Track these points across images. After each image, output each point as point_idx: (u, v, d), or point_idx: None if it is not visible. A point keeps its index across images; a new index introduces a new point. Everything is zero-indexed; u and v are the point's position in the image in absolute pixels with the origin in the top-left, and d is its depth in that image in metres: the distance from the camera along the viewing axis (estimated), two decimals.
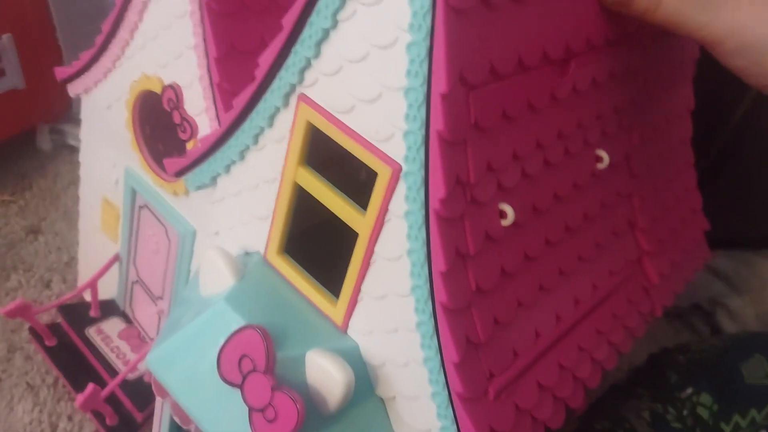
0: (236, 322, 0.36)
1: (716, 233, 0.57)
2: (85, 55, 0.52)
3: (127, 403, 0.55)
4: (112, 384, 0.54)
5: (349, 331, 0.38)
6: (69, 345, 0.60)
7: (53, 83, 0.55)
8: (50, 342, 0.60)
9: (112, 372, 0.58)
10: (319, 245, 0.40)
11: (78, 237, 0.65)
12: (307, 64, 0.33)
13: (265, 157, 0.38)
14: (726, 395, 0.52)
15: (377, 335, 0.36)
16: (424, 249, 0.31)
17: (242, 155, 0.40)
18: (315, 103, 0.34)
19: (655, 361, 0.59)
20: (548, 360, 0.38)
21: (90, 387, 0.50)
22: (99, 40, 0.50)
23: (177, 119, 0.46)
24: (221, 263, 0.39)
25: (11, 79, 0.77)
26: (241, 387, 0.35)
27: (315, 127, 0.35)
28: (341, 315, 0.37)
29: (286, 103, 0.36)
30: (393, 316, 0.35)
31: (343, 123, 0.33)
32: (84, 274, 0.66)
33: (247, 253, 0.42)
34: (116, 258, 0.59)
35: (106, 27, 0.49)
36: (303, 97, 0.35)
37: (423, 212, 0.31)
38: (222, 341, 0.35)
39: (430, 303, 0.32)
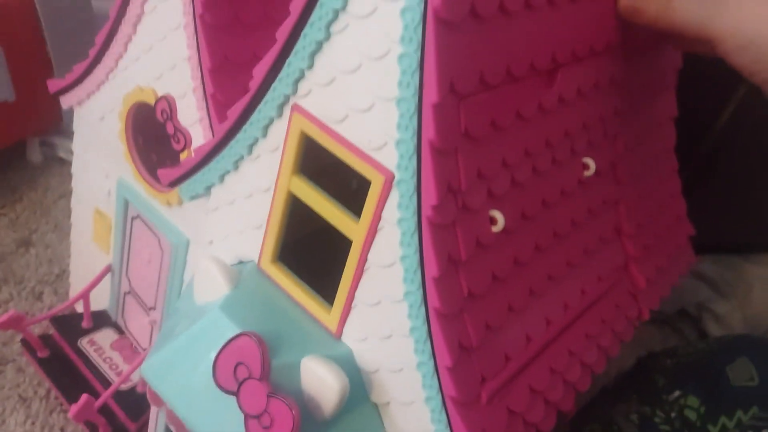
0: (231, 329, 0.37)
1: (701, 239, 0.58)
2: (78, 68, 0.52)
3: (121, 413, 0.55)
4: (106, 394, 0.54)
5: (344, 338, 0.38)
6: (61, 356, 0.60)
7: (44, 96, 0.56)
8: (42, 353, 0.60)
9: (105, 383, 0.58)
10: (313, 253, 0.40)
11: (69, 249, 0.65)
12: (301, 75, 0.34)
13: (259, 167, 0.39)
14: (713, 397, 0.53)
15: (371, 341, 0.37)
16: (417, 255, 0.32)
17: (236, 165, 0.40)
18: (309, 113, 0.35)
19: (643, 365, 0.59)
20: (539, 364, 0.39)
21: (84, 398, 0.50)
22: (92, 52, 0.50)
23: (170, 130, 0.47)
24: (216, 271, 0.40)
25: (1, 91, 0.77)
26: (236, 394, 0.35)
27: (309, 136, 0.35)
28: (335, 322, 0.38)
29: (280, 114, 0.36)
30: (387, 322, 0.35)
31: (336, 132, 0.34)
32: (76, 286, 0.66)
33: (241, 262, 0.43)
34: (108, 269, 0.59)
35: (99, 39, 0.49)
36: (297, 108, 0.35)
37: (415, 219, 0.32)
38: (217, 349, 0.36)
39: (423, 308, 0.33)
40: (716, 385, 0.54)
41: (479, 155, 0.32)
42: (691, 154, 0.69)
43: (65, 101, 0.56)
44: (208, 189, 0.43)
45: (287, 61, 0.34)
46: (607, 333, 0.45)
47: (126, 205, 0.55)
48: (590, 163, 0.42)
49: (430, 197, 0.30)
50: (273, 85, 0.35)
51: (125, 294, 0.60)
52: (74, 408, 0.50)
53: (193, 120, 0.45)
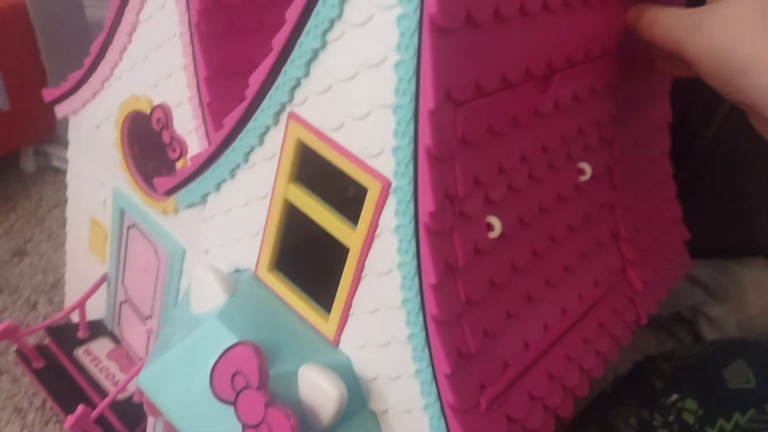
0: (228, 338, 0.37)
1: (695, 243, 0.59)
2: (73, 77, 0.52)
3: (117, 424, 0.54)
4: (102, 405, 0.53)
5: (341, 346, 0.38)
6: (57, 367, 0.60)
7: (38, 105, 0.56)
8: (38, 364, 0.59)
9: (102, 393, 0.57)
10: (310, 261, 0.40)
11: (64, 258, 0.65)
12: (297, 84, 0.34)
13: (255, 175, 0.39)
14: (710, 400, 0.53)
15: (369, 349, 0.37)
16: (415, 262, 0.32)
17: (233, 173, 0.40)
18: (305, 121, 0.35)
19: (641, 369, 0.60)
20: (537, 370, 0.39)
21: (80, 408, 0.49)
22: (87, 61, 0.50)
23: (166, 139, 0.46)
24: (212, 280, 0.40)
25: None
26: (234, 404, 0.35)
27: (305, 144, 0.35)
28: (333, 330, 0.38)
29: (276, 122, 0.36)
30: (384, 330, 0.35)
31: (332, 140, 0.34)
32: (71, 295, 0.66)
33: (238, 270, 0.43)
34: (104, 278, 0.59)
35: (94, 48, 0.49)
36: (293, 116, 0.35)
37: (413, 226, 0.32)
38: (214, 358, 0.36)
39: (421, 315, 0.33)
40: (713, 388, 0.54)
41: (476, 161, 0.32)
42: (686, 159, 0.70)
43: (60, 110, 0.56)
44: (204, 197, 0.43)
45: (283, 69, 0.34)
46: (605, 337, 0.45)
47: (122, 214, 0.55)
48: (586, 167, 0.42)
49: (427, 204, 0.30)
50: (269, 93, 0.35)
51: (121, 303, 0.60)
52: (70, 419, 0.49)
53: (189, 129, 0.45)
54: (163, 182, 0.45)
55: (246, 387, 0.35)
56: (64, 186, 0.60)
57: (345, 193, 0.37)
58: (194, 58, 0.42)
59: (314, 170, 0.37)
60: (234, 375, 0.35)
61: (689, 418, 0.53)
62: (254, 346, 0.35)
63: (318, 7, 0.32)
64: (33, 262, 0.75)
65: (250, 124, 0.37)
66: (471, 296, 0.33)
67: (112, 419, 0.55)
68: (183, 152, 0.46)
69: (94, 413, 0.52)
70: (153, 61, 0.45)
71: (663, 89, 0.53)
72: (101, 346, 0.61)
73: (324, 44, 0.32)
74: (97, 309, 0.62)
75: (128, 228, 0.55)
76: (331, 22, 0.31)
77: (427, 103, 0.29)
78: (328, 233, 0.36)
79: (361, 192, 0.34)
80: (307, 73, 0.34)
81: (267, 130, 0.37)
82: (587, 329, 0.44)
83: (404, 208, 0.32)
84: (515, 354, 0.37)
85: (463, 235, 0.33)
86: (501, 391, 0.36)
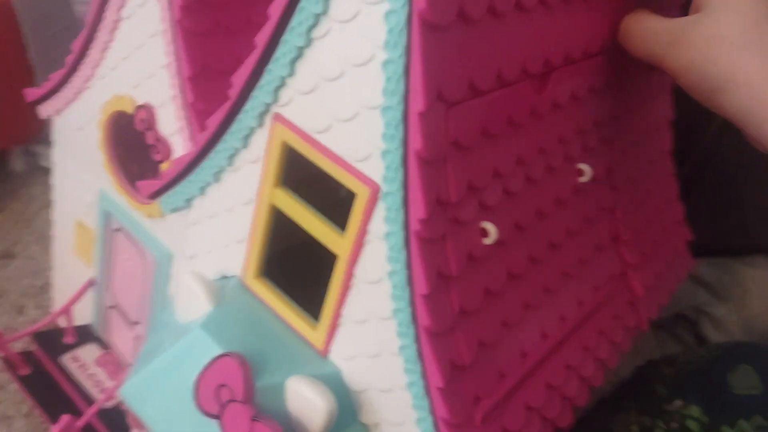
0: (213, 349, 0.35)
1: (698, 241, 0.57)
2: (56, 76, 0.51)
3: None
4: (88, 413, 0.52)
5: (331, 356, 0.37)
6: (43, 373, 0.58)
7: (26, 104, 0.54)
8: (24, 371, 0.58)
9: (89, 400, 0.56)
10: (298, 268, 0.39)
11: (52, 261, 0.63)
12: (282, 83, 0.33)
13: (240, 179, 0.37)
14: (715, 406, 0.52)
15: (359, 360, 0.35)
16: (405, 271, 0.31)
17: (217, 177, 0.39)
18: (290, 122, 0.33)
19: (642, 374, 0.58)
20: (535, 380, 0.37)
21: (64, 419, 0.48)
22: (69, 59, 0.49)
23: (150, 140, 0.45)
24: (197, 288, 0.38)
25: None
26: (219, 418, 0.34)
27: (291, 147, 0.34)
28: (322, 339, 0.36)
29: (260, 123, 0.35)
30: (375, 340, 0.34)
31: (319, 143, 0.32)
32: (59, 300, 0.65)
33: (224, 277, 0.41)
34: (91, 283, 0.58)
35: (76, 46, 0.48)
36: (278, 117, 0.34)
37: (403, 233, 0.30)
38: (199, 370, 0.34)
39: (412, 326, 0.31)
40: (718, 394, 0.52)
41: (469, 165, 0.31)
42: (688, 157, 0.68)
43: (43, 110, 0.54)
44: (189, 201, 0.41)
45: (267, 68, 0.33)
46: (605, 344, 0.44)
47: (108, 217, 0.53)
48: (586, 169, 0.41)
49: (418, 210, 0.29)
50: (253, 94, 0.34)
51: (109, 308, 0.58)
52: (55, 429, 0.48)
53: (173, 130, 0.43)
54: (147, 185, 0.43)
55: (231, 400, 0.34)
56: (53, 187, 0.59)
57: (334, 198, 0.36)
58: (177, 57, 0.40)
59: (301, 173, 0.35)
60: (219, 387, 0.34)
61: (693, 425, 0.51)
62: (239, 357, 0.34)
63: (302, 3, 0.30)
64: (21, 265, 0.74)
65: (234, 126, 0.36)
66: (465, 306, 0.32)
67: (100, 428, 0.53)
68: (167, 154, 0.44)
69: (80, 422, 0.51)
70: (135, 60, 0.44)
71: (664, 87, 0.51)
72: (89, 352, 0.59)
73: (309, 42, 0.31)
74: (85, 314, 0.60)
75: (114, 231, 0.53)
76: (317, 18, 0.30)
77: (417, 104, 0.27)
78: (316, 239, 0.35)
79: (350, 196, 0.32)
80: (292, 72, 0.32)
81: (251, 132, 0.35)
82: (587, 336, 0.42)
83: (394, 215, 0.30)
84: (512, 364, 0.36)
85: (456, 243, 0.31)
86: (497, 404, 0.34)
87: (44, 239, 0.77)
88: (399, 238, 0.30)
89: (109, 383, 0.57)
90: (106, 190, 0.52)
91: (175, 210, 0.43)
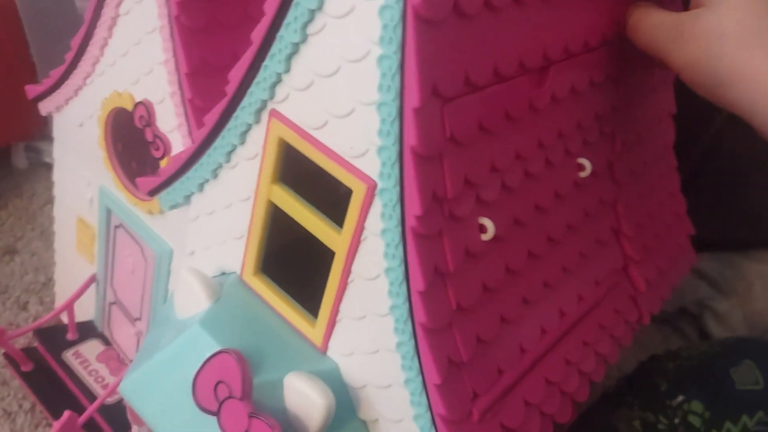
0: (211, 346, 0.35)
1: (701, 236, 0.57)
2: (56, 73, 0.51)
3: (107, 428, 0.53)
4: (90, 409, 0.52)
5: (329, 353, 0.37)
6: (46, 369, 0.58)
7: (27, 100, 0.54)
8: (26, 367, 0.58)
9: (91, 396, 0.56)
10: (296, 264, 0.38)
11: (55, 257, 0.64)
12: (278, 79, 0.33)
13: (238, 175, 0.37)
14: (717, 402, 0.52)
15: (357, 356, 0.35)
16: (402, 268, 0.30)
17: (215, 173, 0.39)
18: (287, 118, 0.33)
19: (645, 369, 0.58)
20: (534, 376, 0.37)
21: (66, 414, 0.48)
22: (69, 56, 0.49)
23: (149, 137, 0.45)
24: (196, 285, 0.38)
25: None
26: (217, 414, 0.34)
27: (288, 143, 0.34)
28: (320, 336, 0.36)
29: (257, 120, 0.35)
30: (373, 337, 0.34)
31: (316, 139, 0.32)
32: (61, 296, 0.65)
33: (223, 274, 0.41)
34: (93, 279, 0.58)
35: (75, 43, 0.48)
36: (275, 113, 0.34)
37: (400, 230, 0.30)
38: (197, 367, 0.34)
39: (409, 323, 0.31)
40: (720, 389, 0.52)
41: (466, 161, 0.31)
42: (690, 151, 0.68)
43: (44, 107, 0.54)
44: (187, 198, 0.41)
45: (263, 64, 0.32)
46: (606, 339, 0.43)
47: (108, 213, 0.53)
48: (586, 163, 0.40)
49: (414, 207, 0.29)
50: (249, 90, 0.34)
51: (110, 304, 0.58)
52: (56, 425, 0.48)
53: (172, 126, 0.43)
54: (146, 182, 0.43)
55: (229, 396, 0.34)
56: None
57: (331, 194, 0.35)
58: (175, 53, 0.40)
59: (299, 169, 0.35)
60: (217, 384, 0.34)
61: (695, 421, 0.51)
62: (237, 354, 0.34)
63: None
64: (24, 261, 0.74)
65: (231, 123, 0.35)
66: (462, 302, 0.32)
67: (102, 423, 0.54)
68: (166, 150, 0.44)
69: (82, 418, 0.51)
70: (134, 57, 0.44)
71: (666, 79, 0.51)
72: (91, 348, 0.60)
73: (304, 37, 0.30)
74: (87, 310, 0.61)
75: (115, 228, 0.53)
76: (312, 14, 0.30)
77: (412, 100, 0.27)
78: (313, 236, 0.34)
79: (347, 193, 0.32)
80: (287, 69, 0.32)
81: (248, 128, 0.35)
82: (587, 331, 0.42)
83: (390, 211, 0.30)
84: (510, 360, 0.36)
85: (453, 239, 0.31)
86: (495, 400, 0.34)
87: (47, 235, 0.77)
88: (395, 234, 0.30)
89: (110, 379, 0.58)
90: (106, 186, 0.52)
91: (174, 207, 0.43)
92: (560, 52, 0.35)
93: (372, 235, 0.31)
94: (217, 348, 0.35)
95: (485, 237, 0.33)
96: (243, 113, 0.35)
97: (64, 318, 0.61)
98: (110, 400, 0.55)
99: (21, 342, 0.63)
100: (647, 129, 0.49)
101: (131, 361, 0.58)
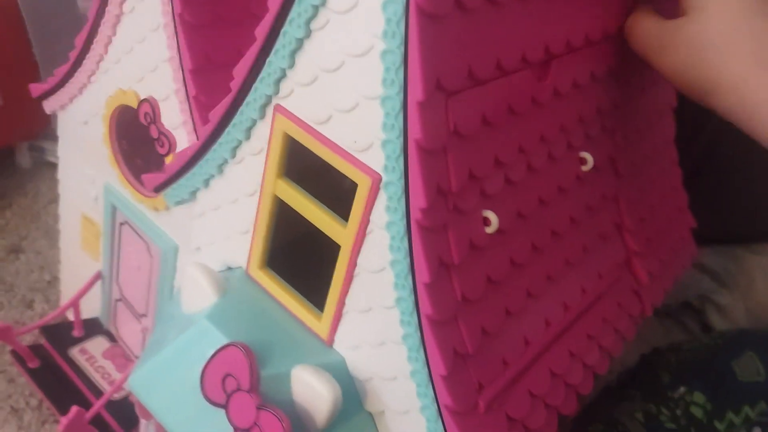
0: (219, 340, 0.36)
1: (703, 229, 0.57)
2: (60, 71, 0.51)
3: (113, 424, 0.54)
4: (97, 405, 0.52)
5: (335, 345, 0.37)
6: (53, 366, 0.59)
7: (31, 99, 0.55)
8: (33, 364, 0.59)
9: (97, 393, 0.57)
10: (302, 258, 0.39)
11: (60, 255, 0.64)
12: (282, 75, 0.33)
13: (243, 171, 0.38)
14: (719, 393, 0.52)
15: (364, 349, 0.35)
16: (407, 260, 0.31)
17: (221, 169, 0.39)
18: (292, 114, 0.33)
19: (647, 362, 0.58)
20: (539, 367, 0.37)
21: (73, 410, 0.48)
22: (73, 55, 0.49)
23: (154, 133, 0.45)
24: (202, 280, 0.39)
25: None
26: (225, 407, 0.34)
27: (293, 138, 0.34)
28: (326, 329, 0.37)
29: (262, 115, 0.35)
30: (379, 329, 0.34)
31: (320, 133, 0.32)
32: (66, 293, 0.65)
33: (229, 268, 0.41)
34: (98, 276, 0.58)
35: (79, 42, 0.48)
36: (279, 108, 0.34)
37: (405, 222, 0.30)
38: (205, 360, 0.34)
39: (415, 315, 0.31)
40: (722, 381, 0.52)
41: (470, 154, 0.31)
42: (692, 144, 0.68)
43: (48, 106, 0.54)
44: (193, 194, 0.42)
45: (267, 60, 0.33)
46: (610, 332, 0.44)
47: (113, 210, 0.53)
48: (588, 157, 0.41)
49: (419, 200, 0.29)
50: (254, 86, 0.34)
51: (116, 301, 0.59)
52: (64, 421, 0.48)
53: (177, 123, 0.43)
54: (151, 179, 0.44)
55: (237, 389, 0.34)
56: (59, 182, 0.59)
57: (336, 188, 0.36)
58: (179, 50, 0.41)
59: (304, 164, 0.35)
60: (225, 377, 0.34)
61: (697, 412, 0.51)
62: (245, 347, 0.34)
63: None
64: (29, 260, 0.74)
65: (236, 118, 0.36)
66: (467, 294, 0.32)
67: (109, 419, 0.54)
68: (171, 147, 0.44)
69: (89, 414, 0.51)
70: (138, 54, 0.44)
71: None
72: (97, 345, 0.60)
73: (308, 33, 0.31)
74: (92, 307, 0.61)
75: (120, 225, 0.54)
76: (315, 10, 0.30)
77: (416, 93, 0.27)
78: (319, 230, 0.35)
79: (352, 186, 0.32)
80: (292, 64, 0.32)
81: (253, 124, 0.35)
82: (591, 324, 0.42)
83: (395, 204, 0.30)
84: (515, 352, 0.36)
85: (457, 232, 0.31)
86: (500, 391, 0.35)
87: (52, 234, 0.77)
88: (401, 227, 0.30)
89: (116, 375, 0.58)
90: (111, 183, 0.52)
91: (179, 203, 0.43)
92: (562, 46, 0.35)
93: (377, 228, 0.32)
94: (225, 341, 0.35)
95: (489, 230, 0.33)
96: (248, 109, 0.35)
97: (70, 315, 0.61)
98: (117, 396, 0.55)
99: (27, 339, 0.63)
100: (648, 123, 0.49)
101: (137, 357, 0.59)
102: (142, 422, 0.46)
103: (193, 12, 0.40)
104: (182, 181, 0.41)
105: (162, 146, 0.45)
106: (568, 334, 0.40)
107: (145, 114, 0.45)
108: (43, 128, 0.85)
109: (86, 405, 0.53)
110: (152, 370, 0.38)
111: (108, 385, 0.57)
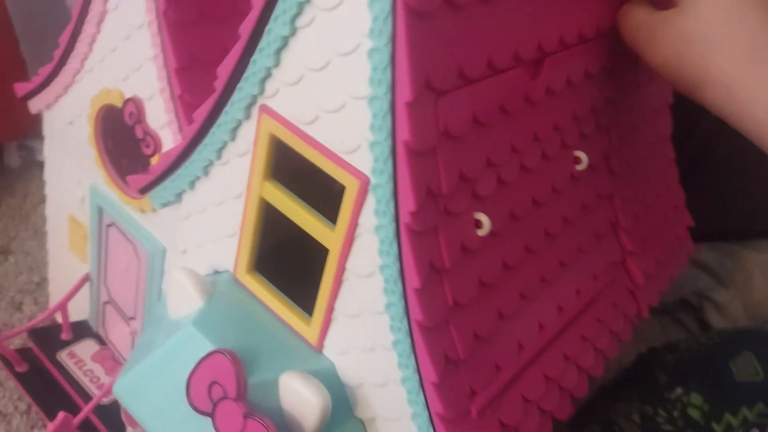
0: (205, 346, 0.35)
1: (700, 226, 0.56)
2: (45, 70, 0.50)
3: (102, 429, 0.53)
4: (85, 410, 0.52)
5: (325, 351, 0.36)
6: (41, 370, 0.58)
7: (19, 98, 0.54)
8: (21, 368, 0.58)
9: (86, 397, 0.56)
10: (290, 261, 0.38)
11: (48, 257, 0.63)
12: (268, 74, 0.32)
13: (229, 172, 0.37)
14: (716, 394, 0.51)
15: (353, 354, 0.34)
16: (397, 264, 0.30)
17: (206, 171, 0.38)
18: (278, 114, 0.32)
19: (644, 362, 0.58)
20: (533, 372, 0.37)
21: (61, 416, 0.48)
22: (57, 53, 0.48)
23: (140, 134, 0.44)
24: (188, 284, 0.38)
25: None
26: (212, 415, 0.33)
27: (279, 139, 0.33)
28: (315, 334, 0.36)
29: (248, 115, 0.34)
30: (368, 335, 0.33)
31: (307, 134, 0.31)
32: (55, 296, 0.64)
33: (216, 272, 0.41)
34: (86, 278, 0.57)
35: (63, 40, 0.47)
36: (265, 109, 0.33)
37: (394, 226, 0.29)
38: (190, 367, 0.34)
39: (405, 320, 0.31)
40: (720, 381, 0.52)
41: (461, 155, 0.30)
42: (688, 141, 0.67)
43: (33, 105, 0.53)
44: (179, 196, 0.41)
45: (252, 58, 0.32)
46: (605, 334, 0.43)
47: (100, 212, 0.52)
48: (582, 156, 0.40)
49: (408, 203, 0.28)
50: (239, 85, 0.33)
51: (105, 303, 0.58)
52: (51, 427, 0.48)
53: (162, 123, 0.42)
54: (136, 180, 0.43)
55: (224, 397, 0.33)
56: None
57: (324, 190, 0.35)
58: (164, 48, 0.40)
59: (291, 165, 0.34)
60: (211, 385, 0.33)
61: (694, 414, 0.51)
62: (231, 354, 0.33)
63: None
64: (18, 261, 0.73)
65: (221, 119, 0.35)
66: (459, 299, 0.31)
67: (98, 424, 0.53)
68: (157, 148, 0.43)
69: (77, 419, 0.50)
70: (122, 52, 0.43)
71: None
72: (86, 348, 0.59)
73: (294, 31, 0.30)
74: (81, 309, 0.60)
75: (107, 226, 0.53)
76: (300, 7, 0.29)
77: (404, 93, 0.26)
78: (307, 233, 0.34)
79: (340, 190, 0.31)
80: (277, 63, 0.31)
81: (239, 124, 0.34)
82: (586, 326, 0.42)
83: (384, 207, 0.29)
84: (508, 356, 0.35)
85: (448, 235, 0.30)
86: (493, 397, 0.34)
87: (41, 235, 0.76)
88: (390, 231, 0.30)
89: (106, 379, 0.57)
90: (97, 184, 0.51)
91: (165, 205, 0.42)
92: (555, 44, 0.35)
93: (366, 231, 0.31)
94: (211, 348, 0.34)
95: (481, 232, 0.32)
96: (233, 109, 0.34)
97: (59, 318, 0.60)
98: (106, 401, 0.54)
99: (15, 342, 0.62)
100: (644, 120, 0.48)
101: (126, 360, 0.58)
102: (129, 430, 0.45)
103: (178, 9, 0.39)
104: (167, 182, 0.40)
105: (147, 147, 0.44)
106: (563, 336, 0.40)
107: (130, 114, 0.44)
108: (32, 128, 0.84)
109: (75, 409, 0.52)
110: (137, 376, 0.37)
111: (97, 389, 0.56)
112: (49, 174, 0.57)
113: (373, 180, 0.29)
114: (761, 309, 0.73)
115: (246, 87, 0.33)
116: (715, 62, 0.33)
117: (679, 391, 0.52)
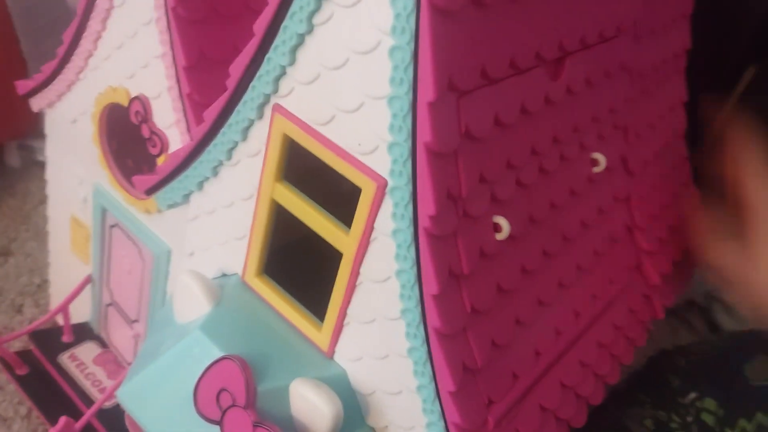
0: (213, 352, 0.34)
1: None
2: (48, 68, 0.49)
3: None
4: (87, 415, 0.50)
5: (336, 357, 0.35)
6: (42, 373, 0.57)
7: (20, 97, 0.53)
8: (21, 371, 0.57)
9: (88, 400, 0.55)
10: (301, 265, 0.37)
11: (49, 258, 0.62)
12: (282, 73, 0.31)
13: (239, 173, 0.36)
14: (731, 399, 0.50)
15: (367, 361, 0.34)
16: (414, 270, 0.29)
17: (215, 171, 0.37)
18: (291, 114, 0.32)
19: (655, 365, 0.57)
20: (550, 380, 0.36)
21: (62, 420, 0.47)
22: (61, 50, 0.47)
23: (146, 133, 0.43)
24: (196, 288, 0.37)
25: None
26: (220, 423, 0.32)
27: (292, 139, 0.32)
28: (327, 340, 0.35)
29: (260, 115, 0.33)
30: (383, 342, 0.32)
31: (322, 135, 0.31)
32: (56, 297, 0.63)
33: (224, 275, 0.40)
34: (88, 280, 0.56)
35: (67, 37, 0.46)
36: (278, 108, 0.32)
37: (412, 230, 0.28)
38: (198, 374, 0.33)
39: (422, 327, 0.30)
40: (734, 385, 0.51)
41: (481, 157, 0.29)
42: (700, 140, 0.66)
43: (35, 104, 0.52)
44: (186, 197, 0.40)
45: (266, 57, 0.31)
46: (621, 340, 0.42)
47: (103, 213, 0.51)
48: (600, 158, 0.39)
49: (428, 206, 0.27)
50: (252, 84, 0.32)
51: (107, 306, 0.57)
52: (52, 431, 0.47)
53: (170, 122, 0.41)
54: (142, 180, 0.42)
55: (232, 405, 0.32)
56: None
57: (338, 192, 0.34)
58: (172, 46, 0.39)
59: (304, 166, 0.34)
60: (219, 392, 0.33)
61: (709, 419, 0.50)
62: (241, 360, 0.32)
63: None
64: (18, 263, 0.72)
65: (233, 118, 0.34)
66: (477, 305, 0.30)
67: (99, 428, 0.52)
68: (164, 148, 0.42)
69: (79, 423, 0.49)
70: (129, 50, 0.42)
71: (679, 67, 0.49)
72: (87, 351, 0.58)
73: (310, 28, 0.29)
74: (83, 311, 0.59)
75: (111, 227, 0.52)
76: (318, 3, 0.28)
77: (427, 93, 0.25)
78: (320, 236, 0.33)
79: (355, 191, 0.30)
80: (292, 61, 0.30)
81: (251, 124, 0.34)
82: (602, 332, 0.41)
83: (402, 211, 0.28)
84: (525, 364, 0.34)
85: (467, 239, 0.29)
86: (511, 406, 0.33)
87: (42, 236, 0.75)
88: (407, 235, 0.29)
89: (107, 382, 0.56)
90: (101, 185, 0.50)
91: (172, 206, 0.41)
92: (576, 43, 0.34)
93: (382, 235, 0.30)
94: (219, 354, 0.34)
95: (500, 236, 0.31)
96: (245, 108, 0.33)
97: (60, 320, 0.59)
98: (108, 405, 0.53)
99: (16, 345, 0.61)
100: (659, 118, 0.47)
101: (129, 363, 0.57)
102: None
103: (188, 6, 0.38)
104: (175, 183, 0.39)
105: (154, 146, 0.43)
106: (579, 343, 0.39)
107: (136, 112, 0.43)
108: (33, 127, 0.83)
109: (76, 413, 0.51)
110: (143, 382, 0.36)
111: (99, 392, 0.55)
112: (51, 174, 0.56)
113: (390, 182, 0.29)
114: None
115: (259, 86, 0.32)
116: None
117: (692, 395, 0.51)
